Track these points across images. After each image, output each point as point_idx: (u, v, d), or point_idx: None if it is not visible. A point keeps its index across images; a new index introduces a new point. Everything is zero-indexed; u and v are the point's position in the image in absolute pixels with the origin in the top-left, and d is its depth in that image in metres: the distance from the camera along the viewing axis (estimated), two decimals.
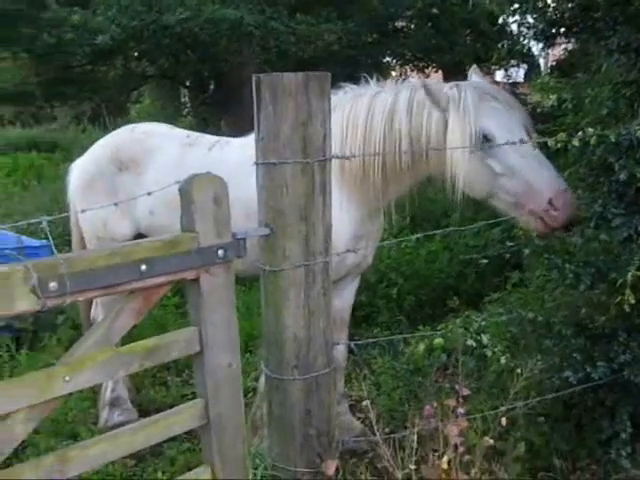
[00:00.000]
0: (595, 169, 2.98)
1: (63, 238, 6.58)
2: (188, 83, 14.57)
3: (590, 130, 2.58)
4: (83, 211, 3.40)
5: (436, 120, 3.09)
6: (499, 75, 17.51)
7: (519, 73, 18.97)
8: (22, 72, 11.73)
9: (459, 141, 2.98)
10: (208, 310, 2.12)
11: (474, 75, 3.36)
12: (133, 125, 4.18)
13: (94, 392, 4.09)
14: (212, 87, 14.27)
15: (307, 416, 2.34)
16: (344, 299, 3.63)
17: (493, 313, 3.45)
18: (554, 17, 4.40)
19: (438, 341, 3.16)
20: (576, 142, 2.59)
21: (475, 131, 2.97)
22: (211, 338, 2.15)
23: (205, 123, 12.91)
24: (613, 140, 2.58)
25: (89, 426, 3.91)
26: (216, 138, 3.87)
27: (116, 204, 3.18)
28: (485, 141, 2.98)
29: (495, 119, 3.02)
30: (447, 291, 5.38)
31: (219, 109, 12.42)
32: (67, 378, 1.86)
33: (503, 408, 2.90)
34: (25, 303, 1.74)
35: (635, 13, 2.84)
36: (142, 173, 3.72)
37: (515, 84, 16.88)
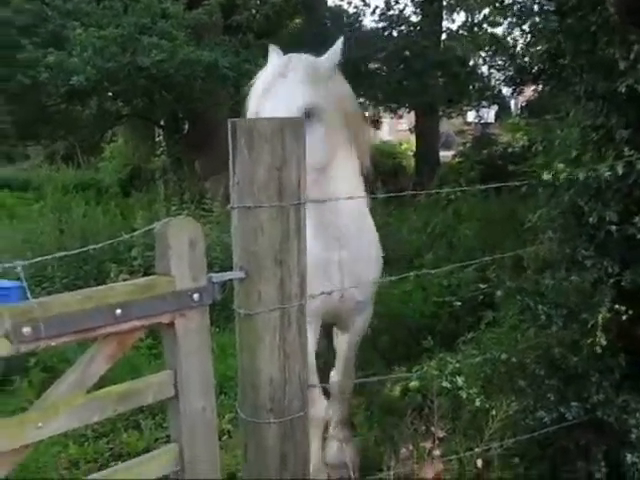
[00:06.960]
0: (565, 212, 3.03)
1: (35, 279, 6.53)
2: (162, 123, 14.60)
3: (561, 166, 2.62)
4: None
5: None
6: (471, 116, 17.85)
7: (490, 114, 19.39)
8: None
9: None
10: (183, 354, 2.10)
11: (274, 54, 3.28)
12: None
13: (65, 436, 4.02)
14: (186, 127, 14.32)
15: (283, 462, 2.32)
16: (345, 340, 3.79)
17: (467, 355, 3.46)
18: (523, 64, 4.50)
19: (414, 384, 3.16)
20: (546, 176, 2.63)
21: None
22: (186, 382, 2.13)
23: (179, 163, 12.94)
24: (582, 179, 2.62)
25: (60, 472, 3.84)
26: None
27: None
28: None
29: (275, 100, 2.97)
30: (422, 331, 5.38)
31: (193, 149, 12.45)
32: (40, 424, 1.83)
33: (478, 449, 2.90)
34: None
35: (600, 60, 2.92)
36: None
37: (487, 124, 17.19)
